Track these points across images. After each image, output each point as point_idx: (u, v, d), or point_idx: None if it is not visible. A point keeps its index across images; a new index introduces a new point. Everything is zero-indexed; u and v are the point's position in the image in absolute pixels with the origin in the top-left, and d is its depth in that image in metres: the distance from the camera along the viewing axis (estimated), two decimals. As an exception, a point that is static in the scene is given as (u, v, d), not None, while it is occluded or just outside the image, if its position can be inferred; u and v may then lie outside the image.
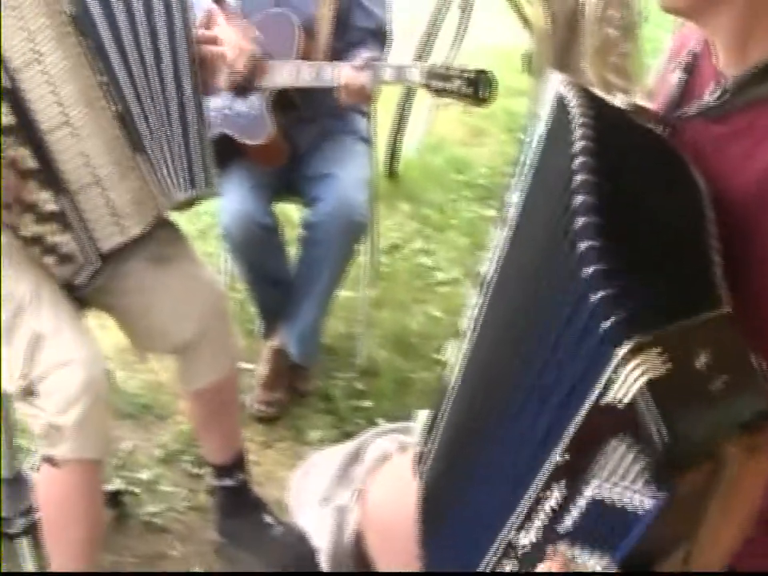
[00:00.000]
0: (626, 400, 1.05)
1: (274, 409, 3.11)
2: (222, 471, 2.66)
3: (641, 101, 1.45)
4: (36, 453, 2.62)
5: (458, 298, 3.61)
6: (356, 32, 3.06)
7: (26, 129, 2.10)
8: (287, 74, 2.93)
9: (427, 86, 2.71)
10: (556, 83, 1.35)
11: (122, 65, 2.18)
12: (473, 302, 1.48)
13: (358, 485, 1.80)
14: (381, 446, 1.85)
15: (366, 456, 1.84)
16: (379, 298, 3.61)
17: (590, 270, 1.11)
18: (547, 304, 1.24)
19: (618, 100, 1.39)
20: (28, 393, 2.18)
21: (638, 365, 1.04)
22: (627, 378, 1.05)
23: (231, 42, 2.88)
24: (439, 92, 2.70)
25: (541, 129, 1.36)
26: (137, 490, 2.78)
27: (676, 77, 1.42)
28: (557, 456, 1.16)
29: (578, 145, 1.20)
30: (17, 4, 2.02)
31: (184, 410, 2.98)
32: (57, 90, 2.10)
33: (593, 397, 1.10)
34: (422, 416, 1.73)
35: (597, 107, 1.28)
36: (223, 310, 2.47)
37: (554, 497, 1.19)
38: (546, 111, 1.36)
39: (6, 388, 2.25)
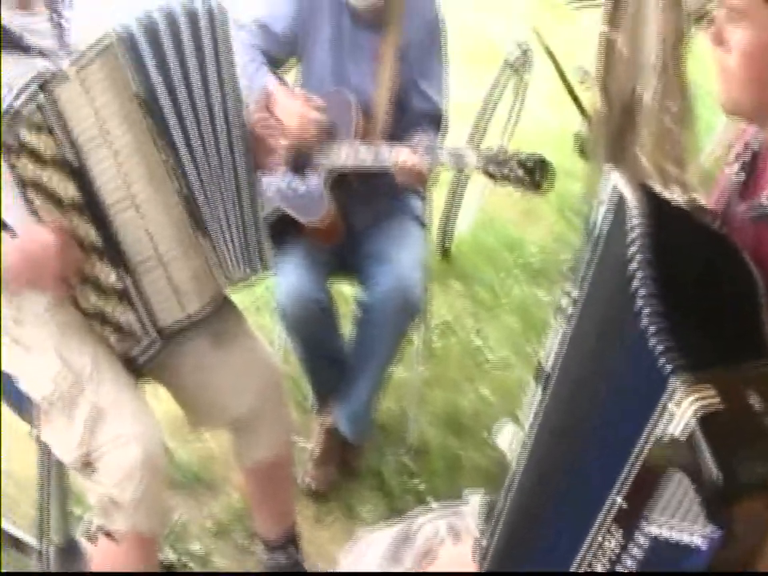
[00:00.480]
0: (681, 436, 1.09)
1: (325, 485, 3.13)
2: (273, 546, 2.68)
3: (698, 196, 1.48)
4: (89, 521, 2.67)
5: (508, 379, 3.64)
6: (413, 115, 3.11)
7: (91, 205, 2.17)
8: (345, 154, 2.98)
9: (484, 172, 2.74)
10: (615, 180, 1.38)
11: (185, 146, 2.24)
12: (532, 393, 1.51)
13: (408, 566, 1.81)
14: (432, 528, 1.86)
15: (417, 537, 1.85)
16: (431, 376, 3.63)
17: (652, 327, 1.16)
18: (610, 384, 1.28)
19: (676, 195, 1.42)
20: (86, 465, 2.22)
21: (694, 400, 1.09)
22: (683, 414, 1.09)
23: (295, 112, 2.95)
24: (496, 178, 2.73)
25: (600, 226, 1.40)
26: (190, 563, 2.80)
27: (734, 173, 1.45)
28: (616, 498, 1.20)
29: (638, 243, 1.24)
30: (88, 84, 2.08)
31: (236, 482, 3.01)
32: (123, 169, 2.16)
33: (650, 434, 1.14)
34: (473, 499, 1.75)
35: (655, 205, 1.32)
36: (279, 386, 2.51)
37: (615, 539, 1.22)
38: (604, 208, 1.39)
39: (63, 459, 2.29)
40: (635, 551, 1.20)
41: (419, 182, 2.94)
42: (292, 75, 3.27)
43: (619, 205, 1.35)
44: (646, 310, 1.18)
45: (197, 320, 2.32)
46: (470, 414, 3.50)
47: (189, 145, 2.25)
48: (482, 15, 8.13)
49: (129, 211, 2.18)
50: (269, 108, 2.66)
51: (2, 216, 2.19)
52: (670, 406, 1.12)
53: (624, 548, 1.22)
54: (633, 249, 1.24)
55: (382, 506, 3.09)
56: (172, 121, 2.22)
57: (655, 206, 1.31)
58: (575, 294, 1.43)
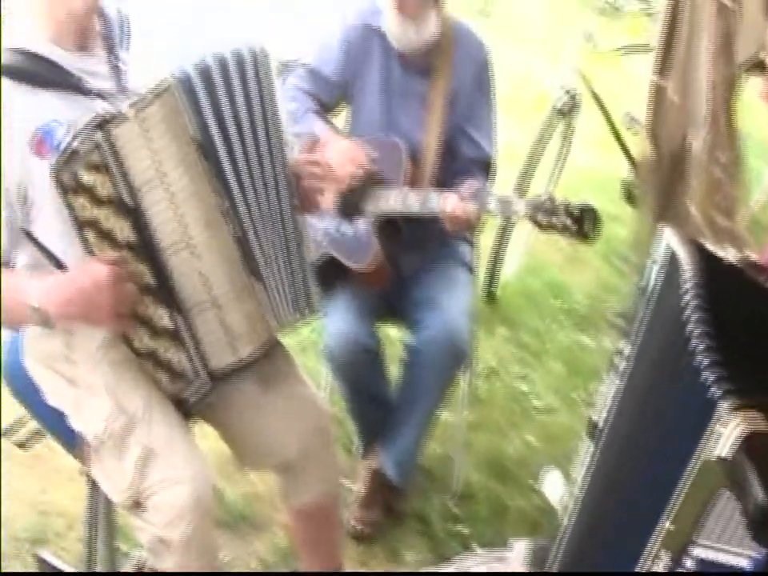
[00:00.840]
0: (728, 455, 1.11)
1: (369, 528, 3.14)
2: (319, 588, 2.68)
3: (748, 252, 1.49)
4: (138, 558, 2.69)
5: (553, 426, 3.64)
6: (462, 161, 3.14)
7: (146, 246, 2.18)
8: (394, 199, 3.00)
9: (532, 220, 2.74)
10: (667, 238, 1.40)
11: (238, 189, 2.25)
12: (584, 449, 1.52)
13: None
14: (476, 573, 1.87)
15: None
16: (476, 421, 3.63)
17: (705, 361, 1.18)
18: (662, 424, 1.30)
19: (728, 253, 1.43)
20: (136, 505, 2.25)
21: (740, 422, 1.11)
22: (730, 434, 1.12)
23: (341, 158, 2.99)
24: (543, 226, 2.73)
25: (653, 284, 1.42)
26: (234, 602, 2.82)
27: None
28: (665, 523, 1.21)
29: (691, 295, 1.26)
30: (146, 126, 2.10)
31: (282, 522, 3.02)
32: (179, 211, 2.17)
33: (698, 457, 1.16)
34: (518, 545, 1.76)
35: (707, 261, 1.33)
36: (327, 429, 2.52)
37: (663, 562, 1.23)
38: (657, 267, 1.41)
39: (113, 498, 2.32)
40: (682, 573, 1.21)
41: (467, 229, 2.96)
42: (342, 119, 3.31)
43: (672, 263, 1.36)
44: (700, 347, 1.21)
45: (247, 362, 2.33)
46: (514, 459, 3.50)
47: (242, 188, 2.26)
48: (528, 59, 8.20)
49: (184, 253, 2.19)
50: (317, 153, 2.68)
51: (58, 254, 2.24)
52: (718, 427, 1.14)
53: (671, 571, 1.23)
54: (687, 298, 1.26)
55: (426, 551, 3.08)
56: (226, 164, 2.23)
57: (707, 262, 1.33)
58: (627, 350, 1.45)
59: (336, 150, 3.02)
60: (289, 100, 3.15)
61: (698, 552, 1.19)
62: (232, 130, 2.23)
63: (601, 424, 1.51)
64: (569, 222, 2.66)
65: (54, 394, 2.40)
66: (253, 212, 2.28)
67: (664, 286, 1.40)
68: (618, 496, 1.42)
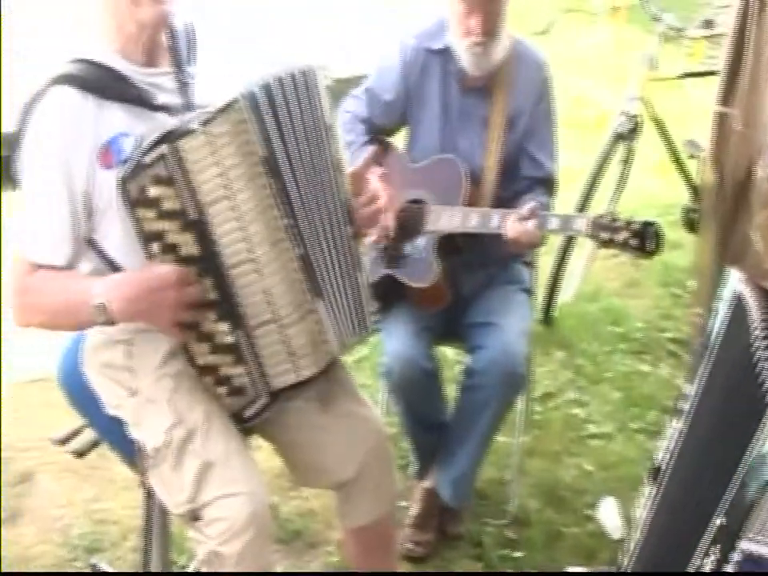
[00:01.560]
0: None
1: (423, 549, 3.13)
2: (372, 607, 2.67)
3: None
4: (188, 569, 2.70)
5: (609, 453, 3.61)
6: (523, 181, 3.12)
7: (210, 261, 2.19)
8: (453, 219, 2.99)
9: (593, 237, 2.73)
10: (734, 281, 1.39)
11: (301, 208, 2.26)
12: (646, 492, 1.52)
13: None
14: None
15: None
16: (531, 446, 3.61)
17: None
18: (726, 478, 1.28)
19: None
20: (193, 518, 2.25)
21: None
22: None
23: (385, 189, 2.98)
24: (605, 243, 2.72)
25: (719, 325, 1.40)
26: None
27: None
28: (717, 520, 1.21)
29: (761, 334, 1.24)
30: (213, 142, 2.11)
31: (336, 540, 3.01)
32: (244, 227, 2.16)
33: (751, 454, 1.15)
34: (574, 573, 1.74)
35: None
36: (385, 449, 2.51)
37: (711, 559, 1.23)
38: (724, 309, 1.40)
39: (170, 509, 2.33)
40: (730, 568, 1.20)
41: (529, 248, 2.95)
42: (401, 138, 3.31)
43: (738, 305, 1.35)
44: None
45: (307, 381, 2.32)
46: (569, 485, 3.47)
47: (303, 207, 2.26)
48: (587, 80, 8.19)
49: (249, 271, 2.19)
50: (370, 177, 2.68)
51: (121, 264, 2.26)
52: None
53: (719, 565, 1.22)
54: (756, 340, 1.24)
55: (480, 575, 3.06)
56: (289, 182, 2.24)
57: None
58: (691, 391, 1.43)
59: (383, 174, 3.01)
60: (346, 130, 3.18)
61: (748, 546, 1.17)
62: (292, 148, 2.24)
63: (663, 467, 1.49)
64: (630, 237, 2.65)
65: (114, 404, 2.41)
66: (313, 231, 2.29)
67: (730, 327, 1.38)
68: (679, 540, 1.40)
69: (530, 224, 2.80)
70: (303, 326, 2.26)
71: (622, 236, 2.66)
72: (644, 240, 2.64)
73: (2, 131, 4.90)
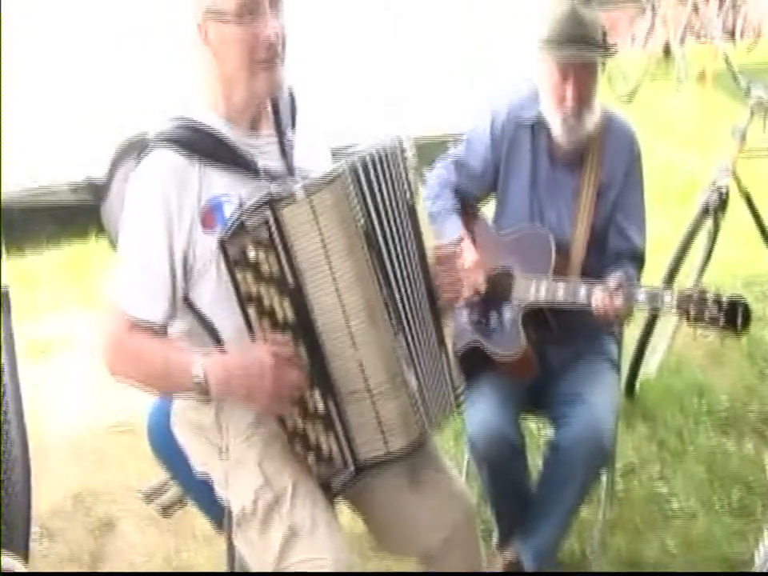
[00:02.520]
0: None
1: (502, 618, 3.09)
2: None
3: None
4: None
5: (692, 531, 3.54)
6: (612, 254, 3.12)
7: (305, 327, 2.21)
8: (540, 290, 2.99)
9: (681, 313, 2.72)
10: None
11: (395, 281, 2.28)
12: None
13: None
14: None
15: None
16: (613, 520, 3.55)
17: None
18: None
19: None
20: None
21: None
22: None
23: (475, 260, 3.02)
24: (693, 319, 2.71)
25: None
26: None
27: None
28: None
29: None
30: (315, 210, 2.14)
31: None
32: (341, 296, 2.18)
33: None
34: None
35: None
36: (472, 524, 2.50)
37: None
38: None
39: (255, 569, 2.34)
40: None
41: (616, 321, 2.93)
42: (489, 207, 3.32)
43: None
44: None
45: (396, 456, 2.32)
46: (651, 563, 3.40)
47: (396, 280, 2.28)
48: (674, 149, 8.15)
49: (343, 341, 2.21)
50: (456, 256, 2.69)
51: (216, 325, 2.29)
52: None
53: None
54: None
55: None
56: (385, 255, 2.27)
57: None
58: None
59: (473, 247, 3.07)
60: (433, 197, 3.21)
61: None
62: (386, 222, 2.27)
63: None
64: (719, 314, 2.63)
65: (202, 462, 2.45)
66: (406, 304, 2.30)
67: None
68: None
69: (618, 298, 2.80)
70: (395, 399, 2.26)
71: (710, 313, 2.66)
72: (733, 318, 2.64)
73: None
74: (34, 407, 4.08)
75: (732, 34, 12.63)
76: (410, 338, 2.30)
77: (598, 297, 2.84)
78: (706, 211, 4.47)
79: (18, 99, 5.43)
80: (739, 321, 2.66)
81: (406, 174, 2.33)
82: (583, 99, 2.99)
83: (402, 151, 2.33)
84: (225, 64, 2.27)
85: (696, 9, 11.16)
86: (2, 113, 5.26)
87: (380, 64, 6.57)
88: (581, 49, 2.96)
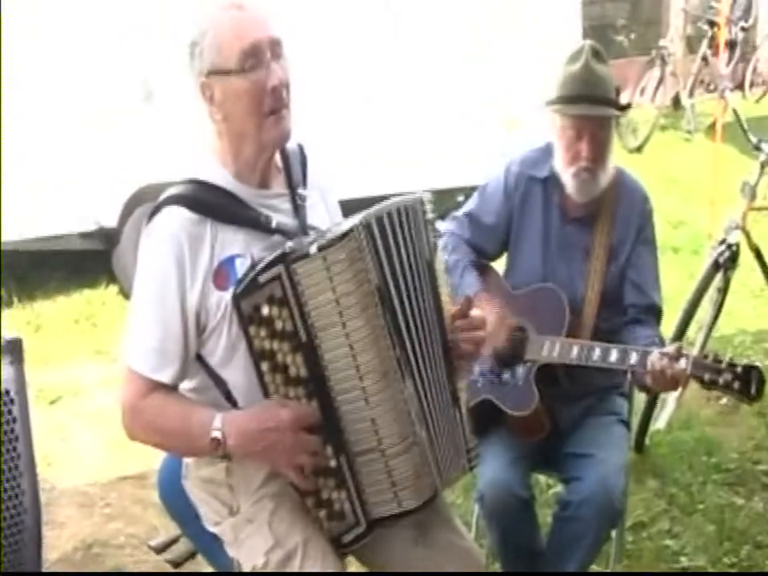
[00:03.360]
0: None
1: None
2: None
3: None
4: None
5: (702, 592, 3.53)
6: (629, 309, 3.11)
7: (318, 384, 2.21)
8: (553, 350, 2.99)
9: (696, 378, 2.72)
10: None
11: (409, 340, 2.26)
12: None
13: None
14: None
15: None
16: (622, 576, 3.55)
17: None
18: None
19: None
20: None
21: None
22: None
23: (493, 317, 2.99)
24: (707, 384, 2.71)
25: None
26: None
27: None
28: None
29: None
30: (329, 267, 2.14)
31: None
32: (354, 355, 2.17)
33: None
34: None
35: None
36: None
37: None
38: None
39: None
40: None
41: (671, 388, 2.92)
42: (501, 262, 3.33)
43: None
44: None
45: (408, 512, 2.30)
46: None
47: (410, 338, 2.27)
48: (683, 200, 8.20)
49: (356, 399, 2.20)
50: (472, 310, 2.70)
51: (228, 381, 2.30)
52: None
53: None
54: None
55: None
56: (399, 313, 2.25)
57: None
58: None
59: (489, 303, 3.05)
60: (449, 251, 3.20)
61: None
62: (402, 280, 2.27)
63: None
64: (734, 380, 2.64)
65: (213, 520, 2.43)
66: (420, 363, 2.29)
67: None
68: None
69: (635, 361, 2.80)
70: (407, 458, 2.24)
71: (725, 378, 2.66)
72: (747, 384, 2.64)
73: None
74: (44, 456, 4.13)
75: (742, 86, 12.71)
76: (423, 397, 2.29)
77: (613, 359, 2.86)
78: (715, 266, 4.49)
79: (27, 145, 5.46)
80: (753, 388, 2.66)
81: (425, 231, 2.34)
82: (598, 156, 3.01)
83: (422, 207, 2.34)
84: (232, 119, 2.29)
85: (706, 60, 11.21)
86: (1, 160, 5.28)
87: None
88: (596, 106, 2.99)
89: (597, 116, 2.99)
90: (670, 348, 2.80)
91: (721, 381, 2.68)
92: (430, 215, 2.37)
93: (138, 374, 2.27)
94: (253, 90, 2.23)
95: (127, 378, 2.30)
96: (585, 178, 3.03)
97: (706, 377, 2.71)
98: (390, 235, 2.25)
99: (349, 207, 2.48)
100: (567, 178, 3.07)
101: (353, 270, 2.16)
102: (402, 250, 2.27)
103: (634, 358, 2.85)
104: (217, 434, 2.20)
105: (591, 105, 2.99)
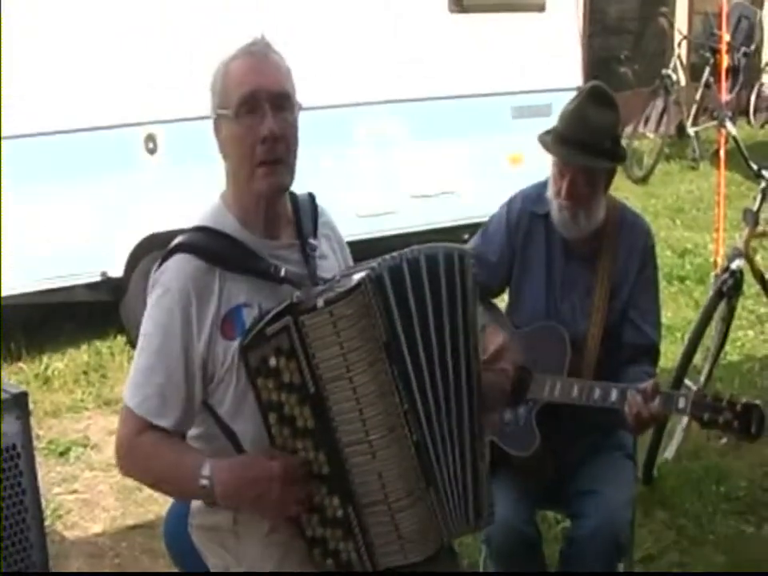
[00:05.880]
0: None
1: None
2: None
3: None
4: None
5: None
6: (626, 349, 3.11)
7: (325, 435, 2.20)
8: (555, 389, 2.98)
9: (695, 418, 2.73)
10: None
11: (419, 394, 2.24)
12: None
13: None
14: None
15: None
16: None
17: None
18: None
19: None
20: None
21: None
22: None
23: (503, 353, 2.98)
24: (707, 424, 2.71)
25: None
26: None
27: None
28: None
29: None
30: (336, 320, 2.13)
31: None
32: (361, 409, 2.16)
33: None
34: None
35: None
36: None
37: None
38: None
39: None
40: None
41: (642, 425, 2.89)
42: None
43: None
44: None
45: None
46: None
47: (422, 393, 2.24)
48: (686, 227, 8.20)
49: (363, 452, 2.19)
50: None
51: (235, 429, 2.30)
52: None
53: None
54: None
55: None
56: (412, 369, 2.23)
57: None
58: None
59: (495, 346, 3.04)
60: None
61: None
62: (418, 332, 2.24)
63: None
64: (734, 420, 2.64)
65: (219, 567, 2.42)
66: (432, 418, 2.26)
67: None
68: None
69: (631, 401, 2.78)
70: (413, 512, 2.22)
71: (725, 417, 2.65)
72: (747, 423, 2.63)
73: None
74: (54, 509, 4.15)
75: (747, 112, 12.74)
76: (432, 452, 2.26)
77: (612, 400, 2.85)
78: (719, 294, 4.48)
79: (33, 190, 5.50)
80: (754, 427, 2.64)
81: (454, 281, 2.32)
82: (576, 200, 2.99)
83: (454, 258, 2.33)
84: (231, 163, 2.33)
85: (709, 88, 11.23)
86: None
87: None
88: (578, 153, 2.96)
89: (580, 163, 2.97)
90: (646, 384, 2.80)
91: (720, 420, 2.67)
92: (466, 265, 2.36)
93: (134, 412, 2.28)
94: (244, 137, 2.26)
95: (124, 416, 2.32)
96: (565, 215, 3.03)
97: (705, 416, 2.70)
98: (407, 286, 2.24)
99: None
100: (552, 209, 3.08)
101: (360, 326, 2.15)
102: (419, 302, 2.25)
103: (596, 393, 2.88)
104: (205, 482, 2.21)
105: (575, 151, 2.96)
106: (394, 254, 2.26)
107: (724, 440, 4.57)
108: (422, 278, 2.27)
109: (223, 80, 2.30)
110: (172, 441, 2.30)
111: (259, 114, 2.26)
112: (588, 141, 2.96)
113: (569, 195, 2.98)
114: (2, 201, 5.20)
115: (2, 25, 5.13)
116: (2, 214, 5.21)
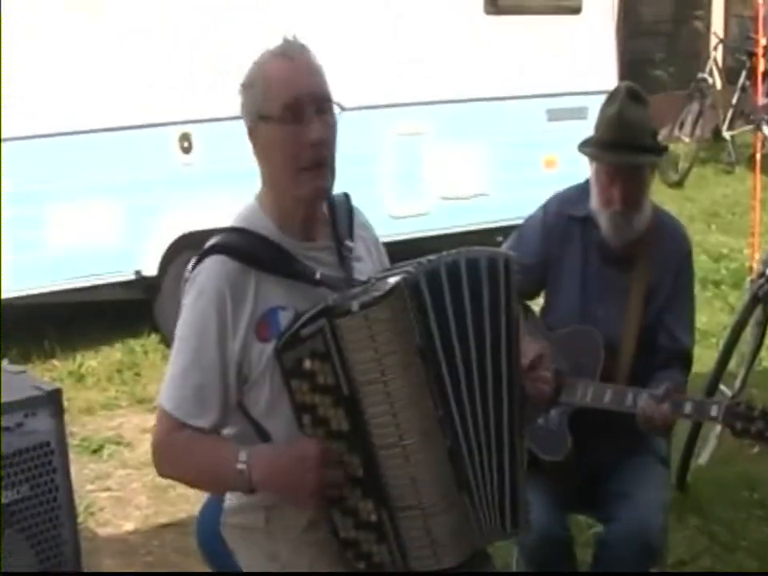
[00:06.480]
0: None
1: None
2: None
3: None
4: None
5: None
6: (660, 354, 3.11)
7: (359, 438, 2.19)
8: (588, 394, 2.98)
9: (727, 425, 2.72)
10: None
11: (455, 400, 2.23)
12: None
13: None
14: None
15: None
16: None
17: None
18: None
19: None
20: None
21: None
22: None
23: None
24: (739, 433, 2.70)
25: None
26: None
27: None
28: None
29: None
30: (371, 323, 2.12)
31: None
32: (395, 413, 2.14)
33: None
34: None
35: None
36: None
37: None
38: None
39: None
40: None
41: (661, 429, 2.91)
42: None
43: None
44: None
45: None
46: None
47: (458, 399, 2.23)
48: (728, 236, 8.14)
49: (397, 455, 2.18)
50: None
51: (270, 431, 2.30)
52: None
53: None
54: None
55: None
56: (447, 375, 2.21)
57: None
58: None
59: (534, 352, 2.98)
60: None
61: None
62: (455, 338, 2.23)
63: None
64: (765, 429, 2.64)
65: (252, 567, 2.42)
66: (468, 424, 2.25)
67: None
68: None
69: (665, 407, 2.79)
70: (447, 518, 2.20)
71: (758, 426, 2.65)
72: None
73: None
74: (87, 506, 4.17)
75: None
76: (467, 458, 2.25)
77: (645, 404, 2.84)
78: (755, 300, 4.45)
79: (64, 188, 5.54)
80: None
81: (498, 287, 2.31)
82: (630, 202, 3.01)
83: (497, 262, 2.32)
84: (272, 168, 2.32)
85: (745, 91, 11.16)
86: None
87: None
88: (627, 154, 2.99)
89: (628, 164, 2.99)
90: (659, 389, 2.81)
91: (753, 429, 2.67)
92: (511, 271, 2.35)
93: (171, 414, 2.29)
94: (290, 142, 2.25)
95: (159, 418, 2.33)
96: (618, 222, 3.03)
97: (738, 425, 2.70)
98: (445, 290, 2.22)
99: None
100: (602, 220, 3.07)
101: (395, 330, 2.14)
102: (457, 308, 2.23)
103: (629, 399, 2.88)
104: (242, 466, 2.20)
105: (623, 152, 2.98)
106: (432, 256, 2.26)
107: (756, 448, 4.53)
108: (461, 282, 2.25)
109: (263, 84, 2.28)
110: (210, 436, 2.31)
111: (305, 120, 2.25)
112: (632, 142, 2.99)
113: (624, 201, 2.99)
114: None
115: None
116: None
